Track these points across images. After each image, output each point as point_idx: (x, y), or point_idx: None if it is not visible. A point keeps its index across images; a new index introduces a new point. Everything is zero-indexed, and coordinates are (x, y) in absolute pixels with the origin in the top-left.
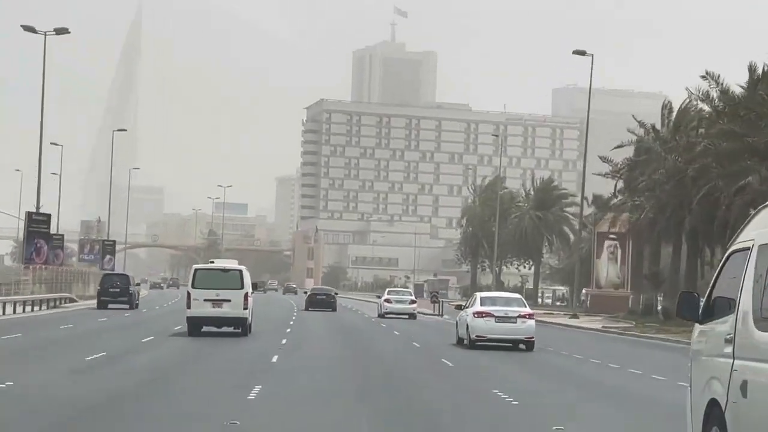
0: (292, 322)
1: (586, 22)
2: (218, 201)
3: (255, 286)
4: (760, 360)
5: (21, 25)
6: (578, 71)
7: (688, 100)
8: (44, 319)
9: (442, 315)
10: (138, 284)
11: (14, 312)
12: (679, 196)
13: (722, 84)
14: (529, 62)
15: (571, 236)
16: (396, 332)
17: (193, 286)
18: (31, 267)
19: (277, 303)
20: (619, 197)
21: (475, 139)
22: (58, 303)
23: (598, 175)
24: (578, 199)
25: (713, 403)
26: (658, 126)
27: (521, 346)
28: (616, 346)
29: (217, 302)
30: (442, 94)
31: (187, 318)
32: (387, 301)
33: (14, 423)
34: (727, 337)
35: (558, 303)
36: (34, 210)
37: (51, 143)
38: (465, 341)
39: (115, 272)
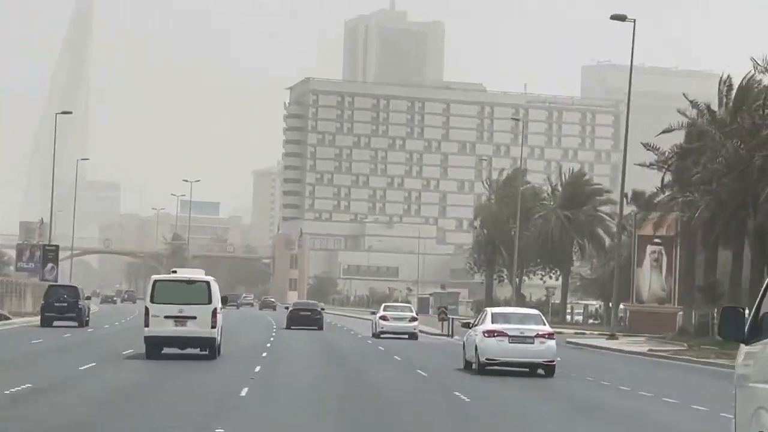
0: (269, 345)
1: None
2: (184, 199)
3: (225, 301)
4: None
5: None
6: (612, 46)
7: (751, 74)
8: None
9: (452, 335)
10: (88, 298)
11: None
12: (741, 191)
13: None
14: (554, 35)
15: (607, 240)
16: (396, 357)
17: (151, 301)
18: None
19: (253, 320)
20: (667, 193)
21: (490, 126)
22: None
23: (641, 166)
24: (614, 196)
25: None
26: (714, 106)
27: (539, 371)
28: (671, 375)
29: (180, 319)
30: (450, 72)
31: (145, 338)
32: (383, 318)
33: None
34: None
35: (591, 320)
36: None
37: None
38: (473, 365)
39: (63, 284)
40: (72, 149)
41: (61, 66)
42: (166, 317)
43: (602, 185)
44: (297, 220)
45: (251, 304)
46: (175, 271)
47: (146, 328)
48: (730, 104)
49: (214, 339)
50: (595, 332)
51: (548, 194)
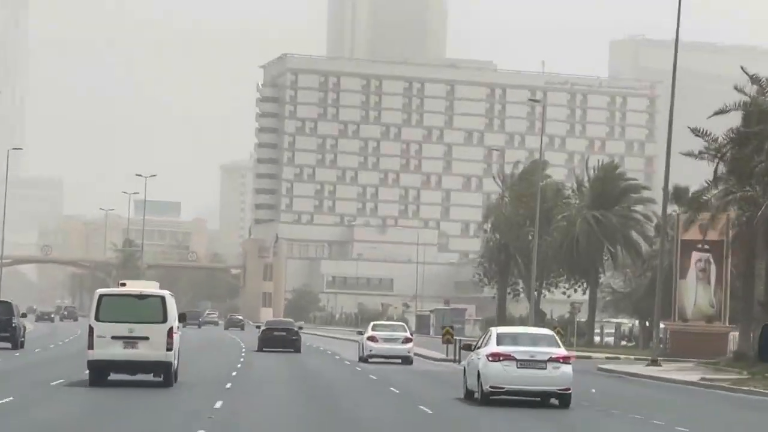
0: (235, 373)
1: None
2: (138, 198)
3: (184, 318)
4: None
5: None
6: (646, 17)
7: None
8: None
9: (458, 360)
10: (24, 315)
11: None
12: None
13: None
14: (577, 4)
15: (643, 246)
16: (393, 388)
17: (96, 319)
18: None
19: (218, 342)
20: (720, 188)
21: (501, 111)
22: None
23: (688, 155)
24: (652, 194)
25: None
26: None
27: (553, 400)
28: (735, 412)
29: (129, 341)
30: (455, 48)
31: (89, 362)
32: (372, 339)
33: None
34: None
35: (624, 342)
36: None
37: None
38: (475, 394)
39: None
40: (2, 137)
41: None
42: (114, 338)
43: (639, 181)
44: (272, 223)
45: (215, 323)
46: (124, 284)
47: (90, 351)
48: None
49: (169, 363)
50: (631, 356)
51: (573, 191)
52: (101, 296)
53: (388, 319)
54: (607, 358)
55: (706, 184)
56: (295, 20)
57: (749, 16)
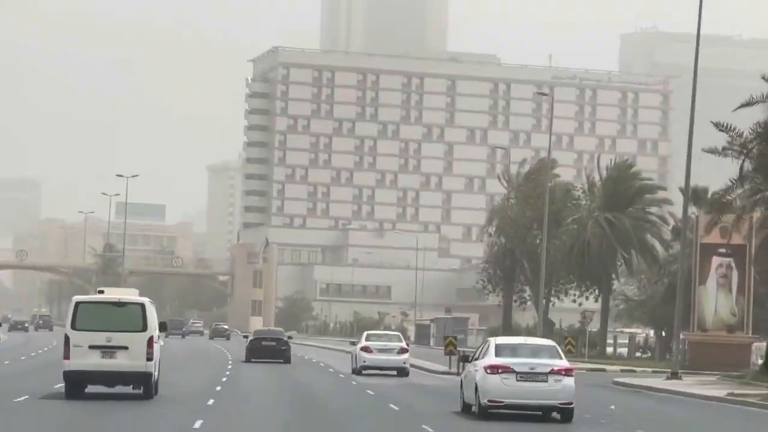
0: (219, 387)
1: None
2: (119, 200)
3: (165, 327)
4: None
5: None
6: (658, 9)
7: None
8: None
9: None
10: None
11: None
12: None
13: None
14: None
15: (659, 250)
16: (393, 405)
17: (73, 327)
18: None
19: (202, 352)
20: (746, 186)
21: (506, 108)
22: None
23: (710, 152)
24: (669, 195)
25: None
26: None
27: (555, 414)
28: None
29: (108, 350)
30: (456, 41)
31: (65, 373)
32: (365, 349)
33: None
34: None
35: (638, 353)
36: None
37: None
38: (473, 408)
39: None
40: None
41: None
42: (91, 347)
43: (654, 181)
44: (262, 227)
45: (200, 333)
46: (102, 291)
47: (66, 361)
48: None
49: (149, 374)
50: (648, 369)
51: (584, 192)
52: (78, 304)
53: (385, 329)
54: (623, 370)
55: (731, 183)
56: (286, 11)
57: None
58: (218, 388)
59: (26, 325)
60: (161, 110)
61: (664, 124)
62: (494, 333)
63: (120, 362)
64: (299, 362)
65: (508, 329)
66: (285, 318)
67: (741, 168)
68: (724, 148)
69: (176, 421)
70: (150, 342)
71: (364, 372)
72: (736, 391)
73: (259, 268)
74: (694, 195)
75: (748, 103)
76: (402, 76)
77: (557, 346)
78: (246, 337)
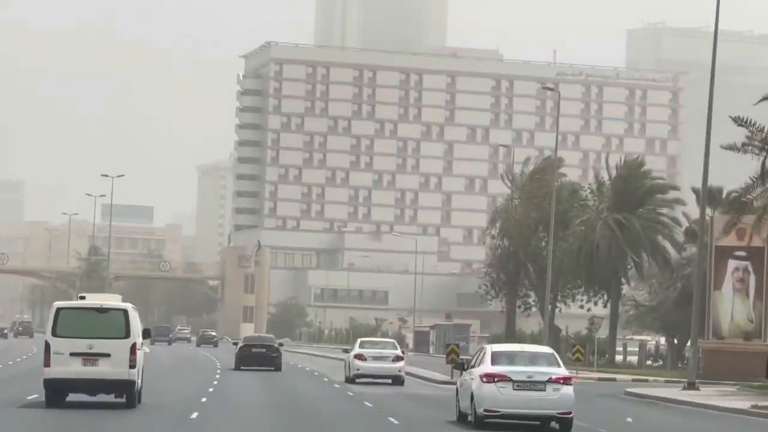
0: (204, 399)
1: None
2: (105, 201)
3: (148, 334)
4: None
5: None
6: (666, 3)
7: None
8: None
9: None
10: None
11: None
12: None
13: None
14: None
15: (672, 253)
16: (392, 419)
17: (54, 334)
18: None
19: (191, 359)
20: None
21: (508, 105)
22: None
23: (729, 149)
24: (681, 195)
25: None
26: None
27: (553, 424)
28: None
29: (89, 357)
30: (456, 36)
31: (45, 381)
32: (359, 357)
33: None
34: None
35: (649, 362)
36: None
37: None
38: (469, 417)
39: None
40: None
41: None
42: (72, 355)
43: (665, 179)
44: (254, 230)
45: (188, 339)
46: (83, 297)
47: (46, 369)
48: None
49: (132, 382)
50: (661, 378)
51: (592, 191)
52: (59, 309)
53: (382, 336)
54: (634, 380)
55: (751, 181)
56: (279, 5)
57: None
58: (204, 399)
59: (5, 332)
60: (149, 108)
61: (674, 123)
62: (497, 340)
63: (102, 370)
64: (293, 371)
65: (512, 336)
66: (277, 325)
67: (763, 165)
68: (743, 144)
69: (163, 426)
70: (133, 349)
71: (357, 380)
72: (760, 403)
73: (251, 273)
74: (708, 195)
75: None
76: (400, 73)
77: (555, 354)
78: (235, 344)
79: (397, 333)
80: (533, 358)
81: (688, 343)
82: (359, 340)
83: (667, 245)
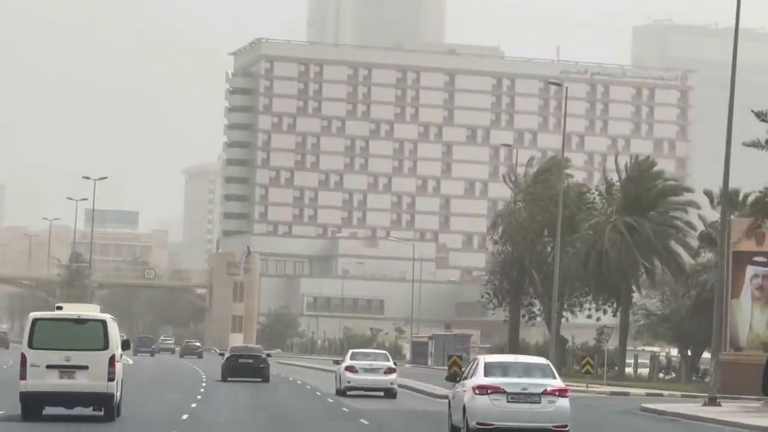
0: (185, 416)
1: None
2: (87, 205)
3: (127, 345)
4: None
5: None
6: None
7: None
8: None
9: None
10: None
11: None
12: None
13: None
14: None
15: (686, 259)
16: None
17: (30, 346)
18: None
19: (176, 370)
20: None
21: (509, 105)
22: None
23: (752, 146)
24: (696, 197)
25: None
26: None
27: None
28: None
29: (66, 370)
30: (455, 32)
31: (21, 394)
32: (350, 369)
33: None
34: None
35: (661, 375)
36: None
37: None
38: (462, 430)
39: None
40: None
41: None
42: (49, 367)
43: (678, 181)
44: (243, 235)
45: (172, 350)
46: (60, 308)
47: (22, 382)
48: None
49: (111, 395)
50: (676, 393)
51: (600, 193)
52: (35, 321)
53: (377, 347)
54: (648, 394)
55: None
56: (271, 2)
57: None
58: (184, 417)
59: None
60: (134, 108)
61: (683, 123)
62: (500, 351)
63: (79, 383)
64: (280, 381)
65: (515, 347)
66: (268, 335)
67: None
68: (767, 141)
69: None
70: (111, 361)
71: (348, 393)
72: None
73: (240, 280)
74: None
75: None
76: (396, 71)
77: (551, 365)
78: (222, 354)
79: (394, 344)
80: (528, 370)
81: (703, 355)
82: (350, 351)
83: (681, 250)
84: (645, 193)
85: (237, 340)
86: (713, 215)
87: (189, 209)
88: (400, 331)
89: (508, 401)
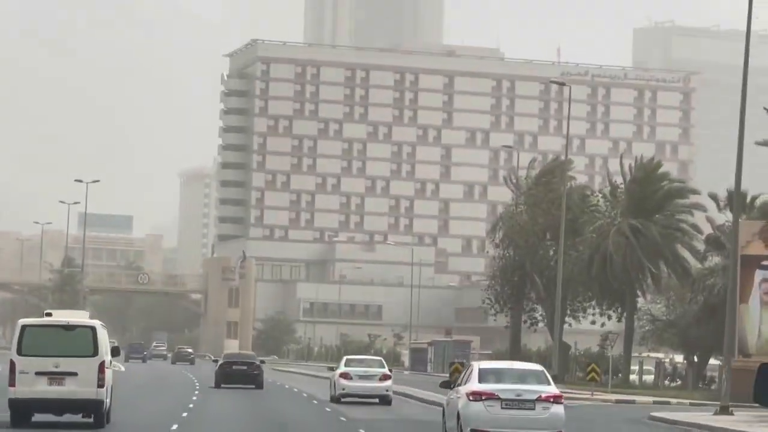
0: (175, 427)
1: None
2: (80, 209)
3: (117, 352)
4: None
5: None
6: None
7: None
8: None
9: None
10: None
11: None
12: None
13: None
14: None
15: (692, 263)
16: None
17: (19, 353)
18: None
19: (168, 377)
20: None
21: (509, 107)
22: None
23: (765, 145)
24: (701, 200)
25: None
26: None
27: None
28: None
29: (55, 377)
30: (453, 33)
31: (9, 401)
32: (344, 376)
33: None
34: None
35: (666, 382)
36: None
37: None
38: None
39: None
40: None
41: None
42: (38, 374)
43: (684, 182)
44: (239, 240)
45: (164, 356)
46: (50, 314)
47: (11, 388)
48: None
49: (100, 402)
50: (684, 400)
51: (604, 196)
52: (24, 327)
53: (375, 353)
54: (656, 402)
55: None
56: (266, 0)
57: None
58: (174, 427)
59: None
60: (127, 111)
61: (685, 126)
62: (501, 357)
63: (69, 389)
64: (275, 388)
65: (517, 353)
66: (264, 341)
67: None
68: None
69: None
70: (101, 367)
71: (343, 400)
72: None
73: (236, 286)
74: (729, 199)
75: None
76: (394, 72)
77: (545, 371)
78: (216, 361)
79: (392, 350)
80: (522, 376)
81: (710, 361)
82: (345, 357)
83: (687, 254)
84: (650, 195)
85: (232, 347)
86: (719, 218)
87: (184, 213)
88: (398, 337)
89: (502, 408)
